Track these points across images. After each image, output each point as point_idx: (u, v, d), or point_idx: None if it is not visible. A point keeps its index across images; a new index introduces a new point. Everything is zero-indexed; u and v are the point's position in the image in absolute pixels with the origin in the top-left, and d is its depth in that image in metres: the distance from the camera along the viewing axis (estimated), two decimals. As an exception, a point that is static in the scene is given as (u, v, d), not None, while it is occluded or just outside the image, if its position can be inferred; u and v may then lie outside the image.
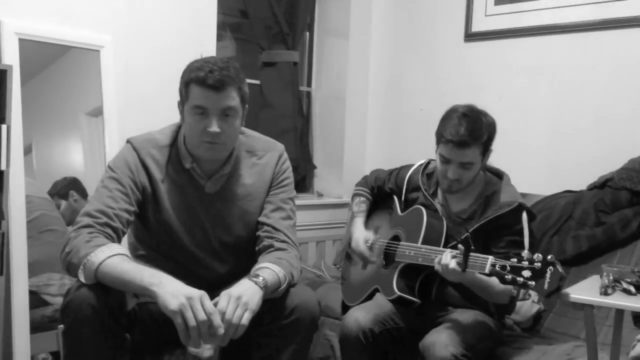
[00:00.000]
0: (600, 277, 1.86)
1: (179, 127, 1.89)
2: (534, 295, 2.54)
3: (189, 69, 1.77)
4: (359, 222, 2.41)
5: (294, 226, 1.94)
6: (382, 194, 2.47)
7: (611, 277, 1.81)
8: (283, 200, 1.93)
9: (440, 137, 2.08)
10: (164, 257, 1.88)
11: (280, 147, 2.00)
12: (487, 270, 1.78)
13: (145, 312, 1.76)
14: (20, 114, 2.23)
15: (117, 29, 2.59)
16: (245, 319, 1.55)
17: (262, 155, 1.95)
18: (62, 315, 1.59)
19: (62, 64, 2.43)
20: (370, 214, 2.49)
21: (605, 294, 1.77)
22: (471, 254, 1.82)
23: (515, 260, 1.74)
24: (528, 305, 2.50)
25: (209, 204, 1.88)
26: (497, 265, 1.77)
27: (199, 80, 1.72)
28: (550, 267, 1.68)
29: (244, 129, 1.97)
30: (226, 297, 1.56)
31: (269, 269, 1.70)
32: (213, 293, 1.89)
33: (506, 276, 1.73)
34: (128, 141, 1.87)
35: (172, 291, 1.49)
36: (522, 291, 1.75)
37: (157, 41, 2.74)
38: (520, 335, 2.38)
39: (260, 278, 1.65)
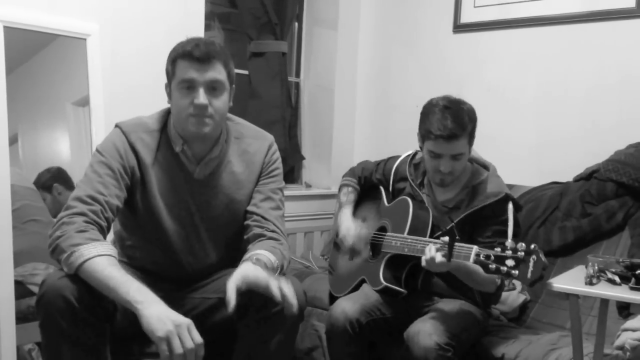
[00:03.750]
0: (586, 267, 1.87)
1: (168, 112, 1.88)
2: (519, 285, 2.56)
3: (175, 47, 1.79)
4: (347, 211, 2.40)
5: (283, 217, 1.94)
6: (369, 184, 2.47)
7: (596, 267, 1.82)
8: (272, 190, 1.93)
9: (428, 133, 2.06)
10: (151, 245, 1.87)
11: (270, 137, 1.99)
12: (471, 260, 1.79)
13: None
14: (5, 103, 2.20)
15: (104, 18, 2.57)
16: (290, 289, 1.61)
17: (252, 143, 1.94)
18: (37, 308, 1.58)
19: (48, 53, 2.41)
20: (357, 206, 2.49)
21: (591, 283, 1.78)
22: (456, 244, 1.82)
23: (499, 249, 1.75)
24: (514, 296, 2.52)
25: (197, 191, 1.87)
26: (481, 255, 1.77)
27: (185, 53, 1.74)
28: (534, 257, 1.69)
29: (233, 116, 1.97)
30: (275, 282, 1.59)
31: (266, 257, 1.71)
32: (200, 282, 1.89)
33: (490, 265, 1.74)
34: (117, 125, 1.86)
35: (158, 314, 1.47)
36: (507, 281, 1.76)
37: (145, 30, 2.71)
38: (506, 325, 2.40)
39: (262, 263, 1.66)
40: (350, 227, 2.33)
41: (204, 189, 1.88)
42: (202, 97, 1.73)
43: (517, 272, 1.69)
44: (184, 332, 1.47)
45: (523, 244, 1.71)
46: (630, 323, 1.96)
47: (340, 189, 2.51)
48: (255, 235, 1.85)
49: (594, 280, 1.79)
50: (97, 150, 1.80)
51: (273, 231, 1.86)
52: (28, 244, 2.25)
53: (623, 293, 1.73)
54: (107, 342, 1.65)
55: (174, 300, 1.83)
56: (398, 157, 2.39)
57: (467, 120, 2.04)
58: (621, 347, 1.91)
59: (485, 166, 2.23)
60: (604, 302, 1.99)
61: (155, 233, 1.86)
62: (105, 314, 1.62)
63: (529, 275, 1.68)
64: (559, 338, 2.18)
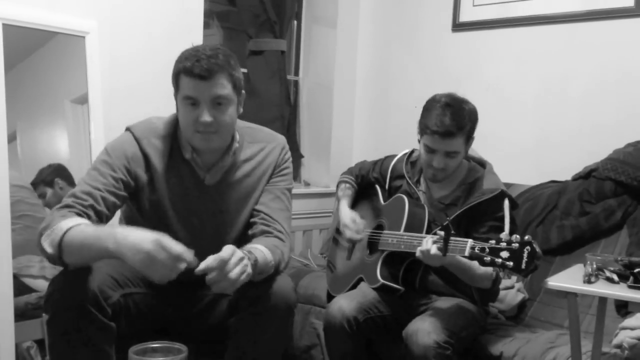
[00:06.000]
0: (584, 265, 1.87)
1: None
2: (517, 284, 2.57)
3: (178, 59, 1.75)
4: (345, 204, 2.42)
5: (290, 218, 1.94)
6: (366, 183, 2.49)
7: (595, 266, 1.82)
8: (281, 190, 1.93)
9: (425, 128, 2.09)
10: None
11: (282, 139, 1.99)
12: (466, 253, 1.80)
13: (131, 302, 1.75)
14: (4, 101, 2.20)
15: (103, 15, 2.57)
16: (246, 275, 1.56)
17: (264, 147, 1.94)
18: (46, 304, 1.59)
19: (47, 51, 2.40)
20: (354, 205, 2.50)
21: (589, 282, 1.78)
22: (451, 238, 1.83)
23: (493, 242, 1.76)
24: (512, 294, 2.52)
25: (207, 196, 1.86)
26: (476, 248, 1.79)
27: (186, 70, 1.70)
28: (527, 247, 1.71)
29: (247, 122, 1.96)
30: (230, 250, 1.55)
31: (262, 252, 1.70)
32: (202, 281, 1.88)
33: (485, 258, 1.76)
34: (128, 129, 1.85)
35: (134, 243, 1.44)
36: (502, 273, 1.78)
37: (143, 28, 2.71)
38: (504, 324, 2.40)
39: (253, 257, 1.65)
40: (349, 218, 2.33)
41: (215, 195, 1.87)
42: (206, 115, 1.72)
43: (511, 263, 1.71)
44: (165, 240, 1.46)
45: (517, 236, 1.73)
46: (629, 322, 1.96)
47: (338, 186, 2.53)
48: (261, 231, 1.85)
49: (593, 279, 1.79)
50: (106, 150, 1.81)
51: (280, 231, 1.86)
52: (22, 237, 2.24)
53: (621, 291, 1.73)
54: (113, 341, 1.65)
55: (175, 300, 1.84)
56: (395, 155, 2.41)
57: (466, 120, 2.06)
58: (619, 346, 1.92)
59: (482, 163, 2.24)
60: (602, 300, 1.99)
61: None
62: (112, 312, 1.63)
63: (523, 266, 1.70)
64: (557, 336, 2.19)
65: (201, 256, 1.87)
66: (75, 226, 1.54)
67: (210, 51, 1.72)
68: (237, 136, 1.89)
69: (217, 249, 1.87)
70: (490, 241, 1.77)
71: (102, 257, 1.54)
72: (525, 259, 1.70)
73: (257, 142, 1.93)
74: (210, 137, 1.76)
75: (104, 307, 1.60)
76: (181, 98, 1.75)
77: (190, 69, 1.69)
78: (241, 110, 1.85)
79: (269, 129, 2.01)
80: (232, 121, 1.81)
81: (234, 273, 1.53)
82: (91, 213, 1.67)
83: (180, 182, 1.84)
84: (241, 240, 1.87)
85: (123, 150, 1.79)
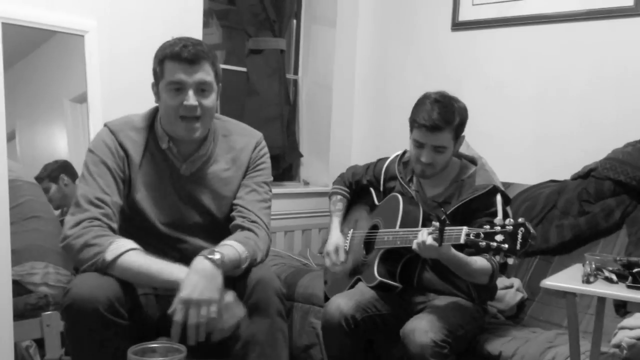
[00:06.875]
0: (583, 265, 1.87)
1: (156, 110, 1.91)
2: (517, 283, 2.57)
3: (162, 47, 1.80)
4: (336, 223, 2.44)
5: (268, 209, 1.95)
6: (359, 188, 2.50)
7: (593, 266, 1.82)
8: (258, 183, 1.95)
9: (413, 122, 2.12)
10: (139, 240, 1.86)
11: (258, 134, 2.01)
12: (462, 240, 1.82)
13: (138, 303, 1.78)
14: (3, 99, 2.20)
15: (102, 14, 2.56)
16: (212, 312, 1.60)
17: (238, 140, 1.96)
18: (65, 314, 1.61)
19: (46, 49, 2.40)
20: (349, 208, 2.52)
21: (588, 282, 1.78)
22: (446, 228, 1.85)
23: (488, 227, 1.78)
24: (512, 294, 2.52)
25: (182, 186, 1.89)
26: (471, 234, 1.80)
27: (173, 55, 1.75)
28: (522, 228, 1.73)
29: (221, 115, 2.00)
30: (183, 308, 1.59)
31: (230, 246, 1.72)
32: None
33: (480, 243, 1.77)
34: (105, 125, 1.88)
35: (196, 283, 1.59)
36: (498, 257, 1.79)
37: (143, 27, 2.71)
38: (503, 323, 2.41)
39: (217, 255, 1.66)
40: (334, 243, 2.36)
41: (190, 185, 1.89)
42: (191, 98, 1.76)
43: (506, 245, 1.73)
44: (203, 306, 1.57)
45: (511, 219, 1.76)
46: (627, 321, 1.96)
47: (330, 197, 2.54)
48: (235, 226, 1.87)
49: (591, 279, 1.79)
50: (90, 150, 1.83)
51: (253, 221, 1.87)
52: (28, 242, 2.24)
53: (620, 291, 1.73)
54: (127, 339, 1.65)
55: (162, 297, 1.84)
56: (387, 158, 2.43)
57: (454, 116, 2.08)
58: (618, 346, 1.92)
59: (473, 161, 2.25)
60: (601, 300, 1.99)
61: (142, 228, 1.86)
62: (128, 312, 1.66)
63: (517, 246, 1.73)
64: (556, 336, 2.19)
65: (183, 247, 1.90)
66: (130, 250, 1.66)
67: (194, 40, 1.79)
68: (214, 129, 1.92)
69: (197, 241, 1.90)
70: (485, 226, 1.79)
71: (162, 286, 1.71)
72: (519, 240, 1.72)
73: (231, 135, 1.96)
74: (193, 125, 1.79)
75: (120, 310, 1.63)
76: (165, 84, 1.77)
77: (178, 53, 1.74)
78: (218, 101, 1.88)
79: (244, 124, 2.04)
80: (214, 108, 1.85)
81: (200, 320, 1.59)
82: (112, 222, 1.74)
83: (157, 172, 1.87)
84: (222, 234, 1.88)
85: (106, 145, 1.82)
